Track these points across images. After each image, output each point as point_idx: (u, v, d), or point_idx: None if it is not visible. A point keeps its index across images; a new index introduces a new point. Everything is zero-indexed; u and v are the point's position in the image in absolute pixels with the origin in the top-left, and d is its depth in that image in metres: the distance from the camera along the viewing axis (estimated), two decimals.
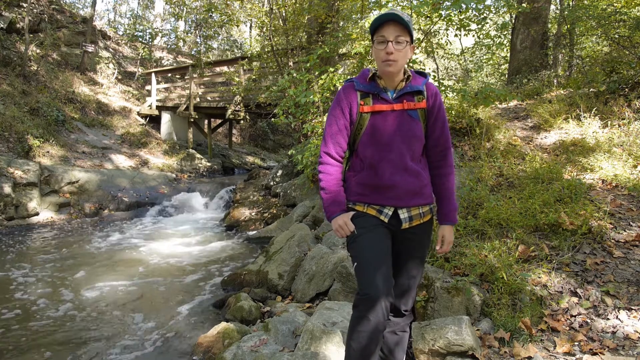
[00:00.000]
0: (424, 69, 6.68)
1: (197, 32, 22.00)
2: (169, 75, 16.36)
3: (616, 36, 6.55)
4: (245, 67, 11.18)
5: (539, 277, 2.80)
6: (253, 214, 7.52)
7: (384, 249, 1.78)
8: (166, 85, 14.83)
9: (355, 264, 1.78)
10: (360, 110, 1.80)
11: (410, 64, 5.39)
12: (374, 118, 1.78)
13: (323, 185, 1.86)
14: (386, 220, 1.80)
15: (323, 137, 1.91)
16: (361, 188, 1.84)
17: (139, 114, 13.62)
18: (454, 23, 5.81)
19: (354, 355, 1.74)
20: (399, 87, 1.80)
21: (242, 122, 13.13)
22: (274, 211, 7.24)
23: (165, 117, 13.32)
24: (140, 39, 19.43)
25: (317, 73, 5.73)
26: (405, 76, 1.81)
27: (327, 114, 2.14)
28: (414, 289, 1.94)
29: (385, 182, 1.77)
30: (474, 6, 5.21)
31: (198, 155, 11.98)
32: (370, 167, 1.80)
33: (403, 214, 1.81)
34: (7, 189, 7.04)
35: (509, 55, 10.40)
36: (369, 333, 1.69)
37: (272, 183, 8.42)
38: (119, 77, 15.43)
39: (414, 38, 1.82)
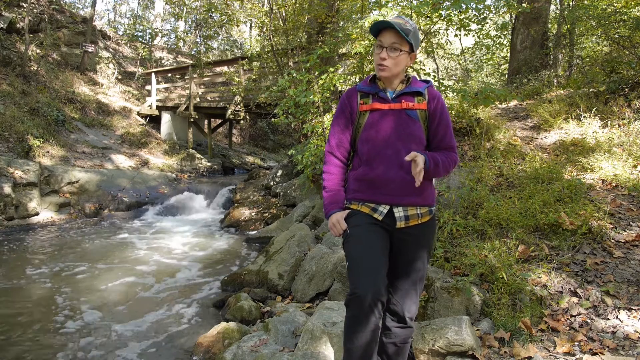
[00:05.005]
0: (424, 69, 6.68)
1: (197, 32, 21.99)
2: (169, 75, 16.35)
3: (616, 36, 6.55)
4: (245, 67, 11.17)
5: (539, 277, 2.80)
6: (253, 214, 7.52)
7: (375, 248, 1.76)
8: (166, 85, 14.82)
9: (347, 262, 1.80)
10: (360, 109, 1.87)
11: (411, 65, 5.38)
12: (372, 116, 1.84)
13: (324, 184, 1.92)
14: (380, 218, 1.80)
15: (327, 138, 1.97)
16: (357, 184, 1.86)
17: (139, 114, 13.62)
18: (454, 23, 5.81)
19: (351, 355, 1.73)
20: (398, 89, 1.86)
21: (242, 122, 13.13)
22: (274, 211, 7.24)
23: (165, 117, 13.32)
24: (140, 39, 19.43)
25: (317, 73, 5.73)
26: (405, 78, 1.88)
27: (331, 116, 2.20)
28: (416, 293, 1.88)
29: (379, 176, 1.79)
30: (474, 6, 5.20)
31: (198, 155, 11.98)
32: (367, 163, 1.83)
33: (398, 213, 1.80)
34: (7, 189, 7.04)
35: (509, 55, 10.39)
36: (362, 332, 1.68)
37: (272, 183, 8.41)
38: (119, 77, 15.43)
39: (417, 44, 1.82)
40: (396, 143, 1.78)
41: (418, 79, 1.93)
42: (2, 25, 11.87)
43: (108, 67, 15.19)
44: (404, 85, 1.86)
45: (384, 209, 1.80)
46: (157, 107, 13.62)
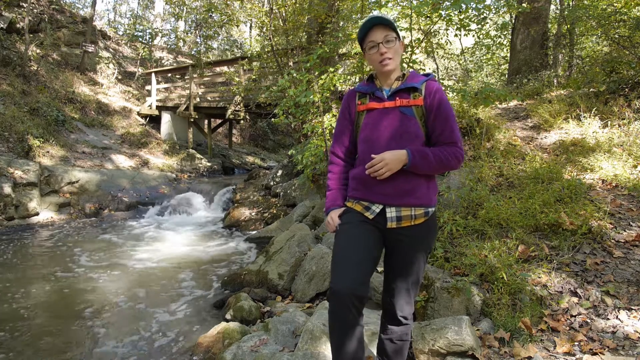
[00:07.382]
0: (424, 69, 6.68)
1: (197, 32, 22.00)
2: (169, 75, 16.36)
3: (616, 36, 6.55)
4: (245, 67, 11.17)
5: (539, 277, 2.80)
6: (253, 214, 7.52)
7: (359, 244, 1.77)
8: (166, 85, 14.82)
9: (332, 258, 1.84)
10: (357, 110, 1.91)
11: (410, 64, 5.39)
12: (368, 116, 1.87)
13: (328, 183, 1.99)
14: (371, 217, 1.81)
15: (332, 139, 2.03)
16: (354, 183, 1.89)
17: (139, 114, 13.62)
18: (454, 23, 5.80)
19: (333, 350, 1.76)
20: (394, 86, 1.87)
21: (242, 122, 13.13)
22: (274, 211, 7.24)
23: (165, 117, 13.32)
24: (140, 39, 19.43)
25: (317, 73, 5.72)
26: (401, 75, 1.89)
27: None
28: (409, 294, 1.87)
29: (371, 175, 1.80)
30: (474, 6, 5.20)
31: (198, 155, 11.98)
32: (362, 162, 1.85)
33: (390, 213, 1.79)
34: (7, 189, 7.04)
35: (509, 55, 10.40)
36: (339, 328, 1.70)
37: (272, 183, 8.41)
38: (119, 77, 15.43)
39: (414, 38, 1.86)
40: (390, 142, 1.78)
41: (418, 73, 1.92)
42: (2, 25, 11.87)
43: (108, 67, 15.19)
44: (399, 82, 1.86)
45: (377, 208, 1.80)
46: (157, 107, 13.62)
